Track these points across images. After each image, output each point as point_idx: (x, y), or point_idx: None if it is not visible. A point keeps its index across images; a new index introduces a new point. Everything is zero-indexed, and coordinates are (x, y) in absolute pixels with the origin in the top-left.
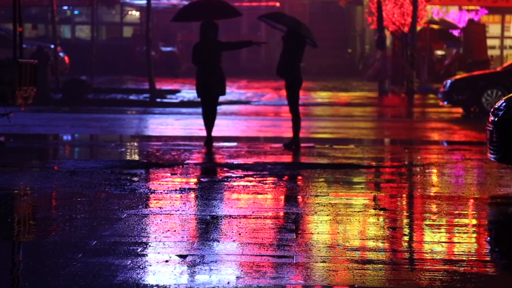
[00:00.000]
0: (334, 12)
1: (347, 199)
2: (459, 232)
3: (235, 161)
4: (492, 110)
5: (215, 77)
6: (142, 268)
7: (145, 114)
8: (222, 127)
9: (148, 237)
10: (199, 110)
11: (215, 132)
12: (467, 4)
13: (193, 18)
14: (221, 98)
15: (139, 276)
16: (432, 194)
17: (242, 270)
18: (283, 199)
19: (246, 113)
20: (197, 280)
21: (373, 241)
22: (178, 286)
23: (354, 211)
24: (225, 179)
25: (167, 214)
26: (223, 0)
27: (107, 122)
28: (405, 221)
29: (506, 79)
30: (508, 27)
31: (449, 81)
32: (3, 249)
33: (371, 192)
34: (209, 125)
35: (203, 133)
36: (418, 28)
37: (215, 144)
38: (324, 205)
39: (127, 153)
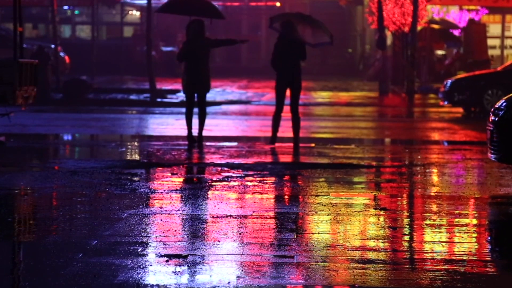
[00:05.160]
0: (335, 12)
1: (347, 199)
2: (460, 232)
3: (236, 161)
4: (492, 110)
5: (205, 74)
6: (142, 268)
7: (146, 114)
8: (223, 127)
9: (148, 237)
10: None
11: (215, 132)
12: (468, 4)
13: (177, 11)
14: (221, 98)
15: (139, 276)
16: (432, 194)
17: (242, 270)
18: (284, 199)
19: (247, 113)
20: (198, 280)
21: (374, 241)
22: (179, 286)
23: (355, 211)
24: (226, 179)
25: (168, 214)
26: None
27: (107, 122)
28: (406, 221)
29: (507, 79)
30: (508, 27)
31: (449, 81)
32: (4, 249)
33: (372, 192)
34: (201, 123)
35: (203, 133)
36: (419, 28)
37: (215, 144)
38: (325, 205)
39: (128, 153)
